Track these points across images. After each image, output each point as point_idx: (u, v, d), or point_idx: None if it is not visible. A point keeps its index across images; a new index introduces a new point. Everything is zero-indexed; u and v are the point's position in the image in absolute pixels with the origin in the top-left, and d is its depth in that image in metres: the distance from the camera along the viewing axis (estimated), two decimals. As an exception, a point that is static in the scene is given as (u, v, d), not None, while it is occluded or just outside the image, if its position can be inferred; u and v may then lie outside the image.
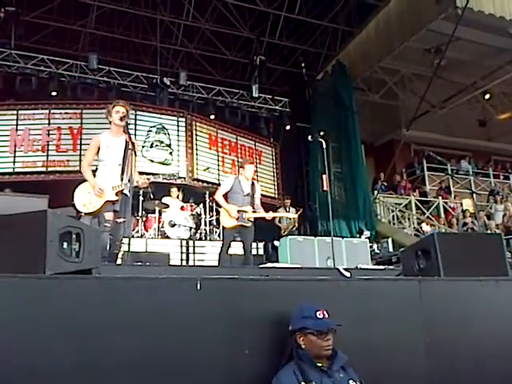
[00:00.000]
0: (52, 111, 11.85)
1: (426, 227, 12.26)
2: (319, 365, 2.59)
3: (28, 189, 9.97)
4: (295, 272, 5.41)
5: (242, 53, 14.73)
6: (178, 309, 2.68)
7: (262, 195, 7.60)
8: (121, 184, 5.32)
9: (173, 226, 9.64)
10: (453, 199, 15.58)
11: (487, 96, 15.09)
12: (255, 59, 13.88)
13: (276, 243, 9.95)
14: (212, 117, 13.64)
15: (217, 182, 12.13)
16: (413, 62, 13.60)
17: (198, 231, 10.09)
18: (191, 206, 10.23)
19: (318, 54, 15.09)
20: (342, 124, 14.01)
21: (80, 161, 10.37)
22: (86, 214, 5.42)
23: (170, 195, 10.15)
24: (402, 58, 13.13)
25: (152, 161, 12.08)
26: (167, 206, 9.86)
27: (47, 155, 11.53)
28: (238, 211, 6.88)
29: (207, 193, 10.40)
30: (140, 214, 9.66)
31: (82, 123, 11.80)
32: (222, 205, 7.02)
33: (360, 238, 11.70)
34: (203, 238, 10.07)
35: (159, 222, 9.76)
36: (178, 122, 12.78)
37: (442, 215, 14.77)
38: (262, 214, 7.12)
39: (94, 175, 5.43)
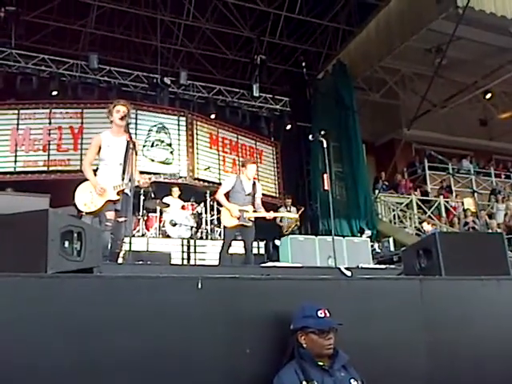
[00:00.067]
0: (53, 111, 11.86)
1: (427, 226, 12.24)
2: (320, 364, 2.59)
3: (29, 188, 9.98)
4: (296, 271, 5.41)
5: (242, 52, 14.72)
6: (178, 308, 2.68)
7: (262, 194, 7.59)
8: (122, 183, 5.32)
9: (174, 225, 9.64)
10: (454, 198, 15.56)
11: (488, 95, 15.04)
12: (256, 59, 13.88)
13: (277, 242, 9.95)
14: (213, 116, 13.64)
15: (217, 181, 12.15)
16: (413, 61, 13.59)
17: (199, 230, 10.10)
18: (192, 205, 10.23)
19: (318, 54, 15.08)
20: (343, 123, 14.01)
21: (81, 160, 10.42)
22: (87, 213, 5.42)
23: (171, 195, 10.16)
24: (402, 57, 13.12)
25: (153, 160, 12.09)
26: (168, 206, 9.87)
27: (48, 154, 11.55)
28: (239, 211, 6.87)
29: (208, 192, 10.40)
30: (141, 213, 9.67)
31: (82, 122, 11.82)
32: (224, 204, 7.01)
33: (361, 237, 11.69)
34: (204, 238, 10.07)
35: (160, 222, 9.76)
36: (178, 121, 12.79)
37: (444, 214, 14.75)
38: (262, 213, 7.12)
39: (95, 174, 5.43)
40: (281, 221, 11.30)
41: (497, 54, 12.76)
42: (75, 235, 2.90)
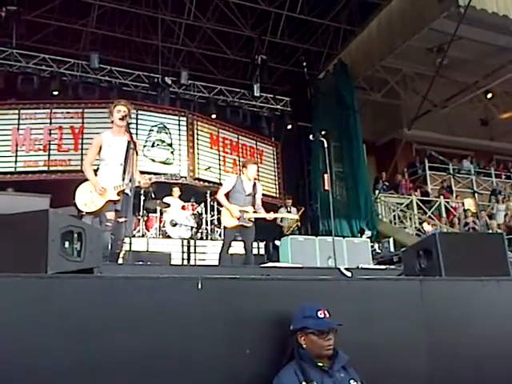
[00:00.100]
0: (53, 110, 11.85)
1: (427, 227, 12.23)
2: (320, 364, 2.59)
3: (30, 188, 10.00)
4: (296, 272, 5.41)
5: (243, 52, 14.72)
6: (179, 308, 2.68)
7: (263, 195, 7.59)
8: (122, 184, 5.33)
9: (174, 225, 9.64)
10: (454, 199, 15.56)
11: (489, 95, 15.04)
12: (257, 58, 13.87)
13: (277, 243, 9.95)
14: (213, 116, 13.64)
15: (218, 181, 12.15)
16: (415, 61, 13.58)
17: (199, 231, 10.09)
18: (192, 205, 10.23)
19: (319, 53, 15.08)
20: (344, 123, 13.99)
21: (81, 160, 10.42)
22: (87, 213, 5.42)
23: (171, 195, 10.16)
24: (404, 57, 13.12)
25: (153, 160, 12.08)
26: (168, 206, 9.87)
27: (49, 154, 11.54)
28: (240, 211, 6.86)
29: (208, 192, 10.40)
30: (141, 213, 9.66)
31: (83, 122, 11.81)
32: (224, 204, 7.00)
33: (361, 237, 11.70)
34: (204, 238, 10.07)
35: (160, 222, 9.76)
36: (179, 121, 12.78)
37: (444, 215, 14.75)
38: (262, 214, 7.10)
39: (96, 174, 5.43)
40: (281, 221, 11.29)
41: (498, 54, 12.75)
42: (75, 235, 2.91)
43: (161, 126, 12.48)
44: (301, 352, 2.62)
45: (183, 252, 9.32)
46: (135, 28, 13.81)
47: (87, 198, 5.33)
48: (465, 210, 14.57)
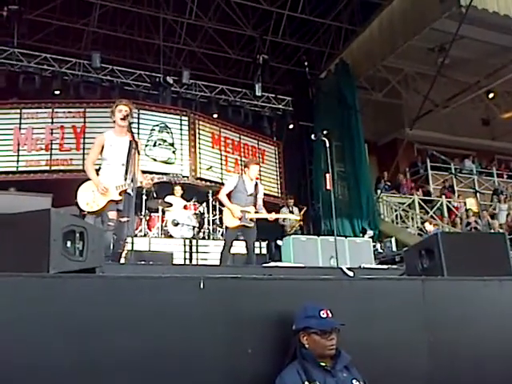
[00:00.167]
0: (55, 110, 11.85)
1: (429, 227, 12.21)
2: (323, 364, 2.58)
3: (32, 188, 10.00)
4: (298, 271, 5.42)
5: (245, 51, 14.72)
6: (181, 308, 2.68)
7: (264, 194, 7.58)
8: (124, 184, 5.33)
9: (176, 225, 9.64)
10: (456, 198, 15.56)
11: (491, 95, 15.02)
12: (258, 58, 13.87)
13: (279, 242, 9.94)
14: (215, 115, 13.65)
15: (220, 181, 12.15)
16: (416, 60, 13.58)
17: (201, 230, 10.09)
18: (194, 205, 10.23)
19: (321, 53, 15.08)
20: (346, 123, 14.00)
21: (83, 160, 10.42)
22: (89, 212, 5.43)
23: (173, 194, 10.15)
24: (405, 56, 13.12)
25: (155, 160, 12.08)
26: (170, 205, 9.86)
27: (50, 154, 11.53)
28: (241, 211, 6.86)
29: (210, 192, 10.39)
30: (143, 213, 9.66)
31: (85, 122, 11.80)
32: (226, 204, 6.99)
33: (363, 237, 11.70)
34: (206, 237, 10.06)
35: (162, 221, 9.75)
36: (180, 120, 12.78)
37: (446, 214, 14.74)
38: (264, 214, 7.10)
39: (97, 174, 5.44)
40: (283, 221, 11.28)
41: (500, 54, 12.74)
42: (77, 235, 2.90)
43: (162, 125, 12.48)
44: (303, 352, 2.61)
45: (185, 252, 9.30)
46: (137, 27, 13.82)
47: (89, 198, 5.33)
48: (467, 210, 14.56)
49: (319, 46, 14.80)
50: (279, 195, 13.91)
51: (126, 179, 5.35)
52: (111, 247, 5.26)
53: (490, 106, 16.41)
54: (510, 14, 11.18)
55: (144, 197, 9.52)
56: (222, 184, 8.15)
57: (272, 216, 7.17)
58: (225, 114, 13.90)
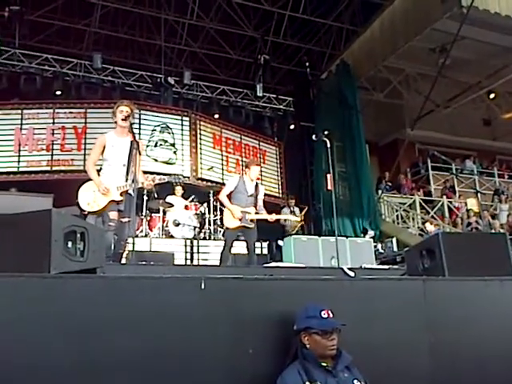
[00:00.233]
0: (56, 110, 11.86)
1: (430, 227, 12.21)
2: (324, 364, 2.59)
3: (33, 188, 10.00)
4: (299, 271, 5.42)
5: (246, 52, 14.73)
6: (182, 308, 2.68)
7: (266, 195, 7.58)
8: (125, 184, 5.34)
9: (177, 225, 9.64)
10: (457, 199, 15.55)
11: (492, 95, 15.03)
12: (259, 58, 13.87)
13: (280, 242, 9.94)
14: (216, 116, 13.65)
15: (221, 181, 12.15)
16: (417, 61, 13.56)
17: (202, 230, 10.09)
18: (195, 205, 10.23)
19: (322, 53, 15.07)
20: (347, 123, 14.00)
21: (84, 160, 10.42)
22: (89, 212, 5.43)
23: (174, 194, 10.15)
24: (406, 57, 13.11)
25: (156, 160, 12.08)
26: (171, 206, 9.86)
27: (52, 154, 11.54)
28: (242, 212, 6.86)
29: (211, 192, 10.39)
30: (144, 213, 9.66)
31: (86, 122, 11.81)
32: (226, 205, 6.99)
33: (364, 237, 11.69)
34: (207, 238, 10.06)
35: (163, 222, 9.75)
36: (182, 121, 12.78)
37: (447, 215, 14.74)
38: (264, 215, 7.09)
39: (98, 174, 5.44)
40: (285, 221, 11.27)
41: (501, 54, 12.74)
42: (78, 235, 2.90)
43: (163, 125, 12.48)
44: (304, 352, 2.62)
45: (186, 252, 9.30)
46: (138, 28, 13.84)
47: (90, 198, 5.34)
48: (468, 210, 14.55)
49: (320, 46, 14.80)
50: (280, 195, 13.91)
51: (127, 180, 5.36)
52: (112, 247, 5.26)
53: (491, 106, 16.41)
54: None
55: (145, 197, 9.51)
56: (223, 184, 8.15)
57: (272, 217, 7.16)
58: (226, 115, 13.90)
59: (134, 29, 13.79)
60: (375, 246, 10.65)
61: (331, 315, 2.65)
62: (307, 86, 15.26)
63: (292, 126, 14.71)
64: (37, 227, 2.65)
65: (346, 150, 14.07)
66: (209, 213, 10.31)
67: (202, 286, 2.71)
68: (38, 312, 2.41)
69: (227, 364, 2.69)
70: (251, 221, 6.92)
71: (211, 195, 10.33)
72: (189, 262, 9.04)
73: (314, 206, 14.17)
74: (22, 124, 11.61)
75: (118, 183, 5.34)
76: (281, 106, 14.88)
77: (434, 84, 11.54)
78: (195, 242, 9.48)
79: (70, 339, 2.43)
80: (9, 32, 11.96)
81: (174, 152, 12.41)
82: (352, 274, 4.92)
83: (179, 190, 10.25)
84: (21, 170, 11.35)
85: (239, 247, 7.61)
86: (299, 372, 2.54)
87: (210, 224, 10.27)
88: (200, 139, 12.82)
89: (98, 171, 5.50)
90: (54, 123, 11.76)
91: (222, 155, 13.17)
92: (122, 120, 5.40)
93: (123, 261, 5.48)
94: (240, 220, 6.84)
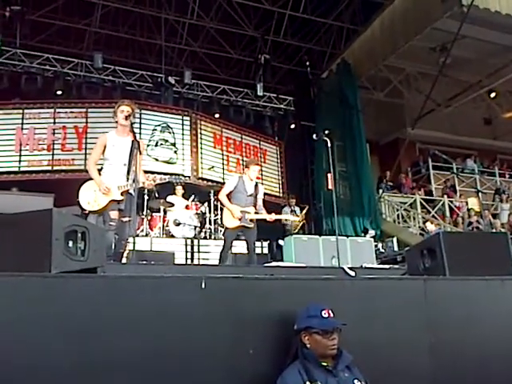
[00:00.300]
0: (57, 110, 11.87)
1: (430, 226, 12.22)
2: (324, 364, 2.58)
3: (33, 188, 10.03)
4: (300, 271, 5.41)
5: (246, 51, 14.73)
6: (182, 308, 2.68)
7: (266, 194, 7.58)
8: (126, 184, 5.34)
9: (178, 224, 9.64)
10: (458, 198, 15.54)
11: (493, 94, 15.01)
12: (260, 58, 13.86)
13: (281, 242, 9.94)
14: (217, 115, 13.65)
15: (221, 180, 12.15)
16: (418, 60, 13.56)
17: (203, 230, 10.09)
18: (196, 204, 10.23)
19: (322, 53, 15.07)
20: (347, 123, 13.99)
21: (85, 160, 10.43)
22: (90, 212, 5.44)
23: (174, 193, 10.16)
24: (407, 56, 13.10)
25: (157, 160, 12.07)
26: (172, 205, 9.86)
27: (53, 154, 11.55)
28: (241, 212, 6.85)
29: (212, 191, 10.39)
30: (145, 212, 9.66)
31: (87, 122, 11.82)
32: (226, 205, 6.98)
33: (365, 237, 11.68)
34: (208, 237, 10.06)
35: (164, 221, 9.76)
36: (182, 120, 12.79)
37: (448, 214, 14.73)
38: (264, 215, 7.08)
39: (99, 174, 5.44)
40: (286, 220, 11.25)
41: (501, 53, 12.73)
42: (79, 235, 2.90)
43: (164, 125, 12.49)
44: (305, 352, 2.61)
45: (187, 251, 9.31)
46: (139, 28, 13.84)
47: (90, 197, 5.34)
48: (468, 210, 14.55)
49: (321, 45, 14.79)
50: (281, 195, 13.92)
51: (127, 179, 5.36)
52: (113, 247, 5.26)
53: (492, 105, 16.39)
54: (512, 13, 11.18)
55: (146, 197, 9.52)
56: (224, 184, 8.14)
57: (272, 217, 7.16)
58: (226, 114, 13.90)
59: (134, 28, 13.80)
60: (376, 246, 10.64)
61: (332, 315, 2.64)
62: (308, 85, 15.25)
63: (292, 126, 14.70)
64: (38, 227, 2.65)
65: (346, 149, 14.07)
66: (209, 212, 10.31)
67: (203, 286, 2.71)
68: (38, 312, 2.41)
69: (227, 364, 2.69)
70: (251, 220, 6.92)
71: (212, 195, 10.33)
72: (189, 262, 9.05)
73: (315, 205, 14.17)
74: (23, 124, 11.62)
75: (118, 183, 5.34)
76: (281, 106, 14.88)
77: (435, 83, 11.54)
78: (196, 242, 9.49)
79: (70, 339, 2.43)
80: (10, 32, 11.97)
81: (175, 151, 12.42)
82: (353, 273, 4.92)
83: (180, 189, 10.27)
84: (22, 169, 11.37)
85: (239, 247, 7.62)
86: (300, 372, 2.53)
87: (210, 223, 10.27)
88: (200, 139, 12.83)
89: (99, 171, 5.50)
90: (54, 123, 11.78)
91: (222, 155, 13.17)
92: (123, 119, 5.40)
93: (124, 260, 5.49)
94: (239, 220, 6.83)
